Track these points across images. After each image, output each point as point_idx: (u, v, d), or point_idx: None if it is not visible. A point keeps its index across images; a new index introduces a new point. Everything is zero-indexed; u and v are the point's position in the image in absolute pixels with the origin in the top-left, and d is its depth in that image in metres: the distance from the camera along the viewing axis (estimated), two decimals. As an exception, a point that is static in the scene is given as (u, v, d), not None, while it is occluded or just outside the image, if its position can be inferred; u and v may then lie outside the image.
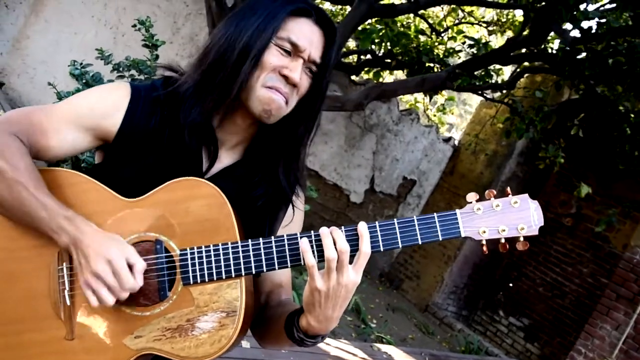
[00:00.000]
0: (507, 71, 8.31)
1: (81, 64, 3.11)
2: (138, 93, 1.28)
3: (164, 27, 6.88)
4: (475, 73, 6.16)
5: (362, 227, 1.13)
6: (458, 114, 17.61)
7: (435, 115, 10.82)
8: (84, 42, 6.55)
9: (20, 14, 6.51)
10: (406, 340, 6.79)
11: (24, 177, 1.14)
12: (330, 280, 1.10)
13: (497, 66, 6.76)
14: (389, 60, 7.72)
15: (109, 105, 1.27)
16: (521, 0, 4.87)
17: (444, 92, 8.60)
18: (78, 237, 1.12)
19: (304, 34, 1.23)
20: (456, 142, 9.80)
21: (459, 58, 7.32)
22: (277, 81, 1.22)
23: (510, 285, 8.62)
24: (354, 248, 1.12)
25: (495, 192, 1.20)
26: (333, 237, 1.12)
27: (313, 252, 1.13)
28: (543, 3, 4.87)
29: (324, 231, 1.13)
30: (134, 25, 3.54)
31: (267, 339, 1.34)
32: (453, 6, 8.04)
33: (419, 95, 9.75)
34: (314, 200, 7.96)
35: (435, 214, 1.17)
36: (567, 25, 5.01)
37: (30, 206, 1.14)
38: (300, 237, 1.15)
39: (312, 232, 1.16)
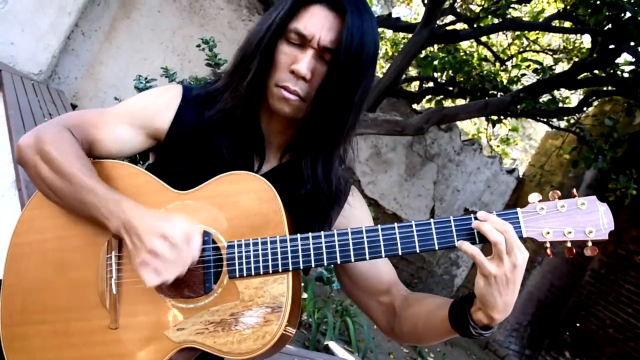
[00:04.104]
0: (574, 100, 8.03)
1: (146, 78, 3.22)
2: (189, 94, 1.31)
3: (228, 53, 7.02)
4: (541, 100, 5.96)
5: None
6: (522, 148, 17.15)
7: (498, 146, 10.57)
8: (152, 68, 6.80)
9: (95, 40, 6.86)
10: (465, 376, 6.51)
11: (74, 165, 1.16)
12: (504, 265, 1.06)
13: (564, 94, 6.53)
14: (450, 88, 7.63)
15: (160, 104, 1.29)
16: (589, 22, 4.69)
17: (507, 122, 8.39)
18: (127, 219, 1.11)
19: (313, 21, 1.16)
20: (520, 174, 9.52)
21: (523, 85, 7.13)
22: (287, 79, 1.18)
23: (578, 325, 8.16)
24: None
25: (560, 194, 1.12)
26: (489, 221, 1.08)
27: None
28: (610, 25, 4.68)
29: (476, 223, 1.09)
30: (198, 45, 3.64)
31: (415, 338, 1.30)
32: (517, 34, 7.89)
33: (482, 125, 9.56)
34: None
35: (494, 212, 1.10)
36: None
37: (80, 192, 1.15)
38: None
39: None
